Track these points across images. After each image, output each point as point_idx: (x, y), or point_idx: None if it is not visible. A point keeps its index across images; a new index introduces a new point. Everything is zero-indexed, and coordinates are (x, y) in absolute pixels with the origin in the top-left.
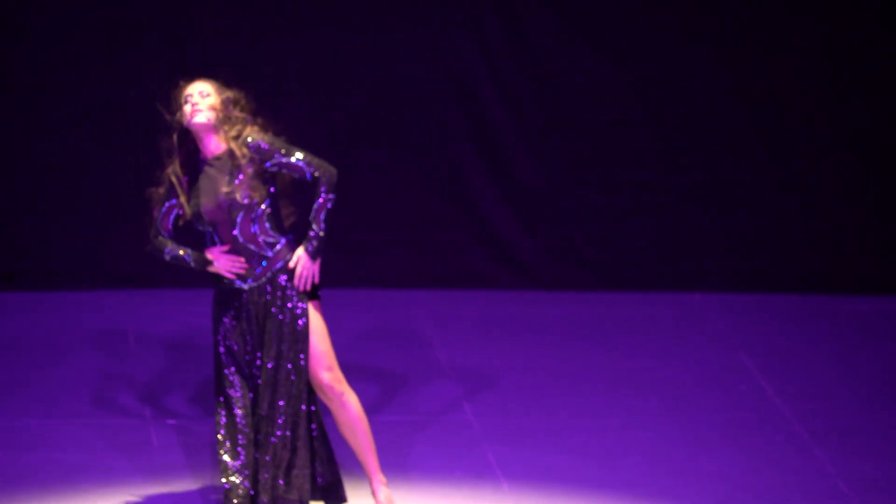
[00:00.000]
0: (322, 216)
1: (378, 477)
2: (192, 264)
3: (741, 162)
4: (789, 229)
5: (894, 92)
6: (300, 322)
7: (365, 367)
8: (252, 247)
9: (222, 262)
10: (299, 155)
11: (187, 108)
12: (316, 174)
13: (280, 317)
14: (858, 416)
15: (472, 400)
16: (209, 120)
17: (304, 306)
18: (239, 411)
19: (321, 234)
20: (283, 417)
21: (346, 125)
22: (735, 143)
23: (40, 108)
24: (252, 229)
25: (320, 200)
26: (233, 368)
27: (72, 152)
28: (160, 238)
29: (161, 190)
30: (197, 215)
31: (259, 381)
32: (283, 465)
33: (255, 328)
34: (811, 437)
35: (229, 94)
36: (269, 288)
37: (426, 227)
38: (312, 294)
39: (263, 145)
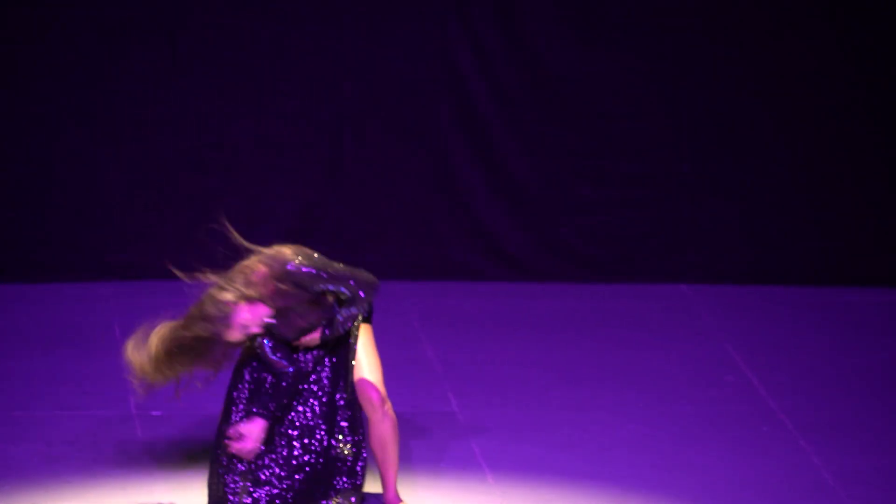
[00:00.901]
0: None
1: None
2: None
3: (730, 154)
4: (778, 222)
5: (887, 82)
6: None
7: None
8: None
9: None
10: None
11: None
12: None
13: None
14: (845, 408)
15: (457, 392)
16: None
17: None
18: None
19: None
20: None
21: (336, 118)
22: (725, 136)
23: (29, 101)
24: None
25: None
26: None
27: (61, 145)
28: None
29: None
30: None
31: None
32: None
33: None
34: (797, 429)
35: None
36: None
37: (415, 218)
38: None
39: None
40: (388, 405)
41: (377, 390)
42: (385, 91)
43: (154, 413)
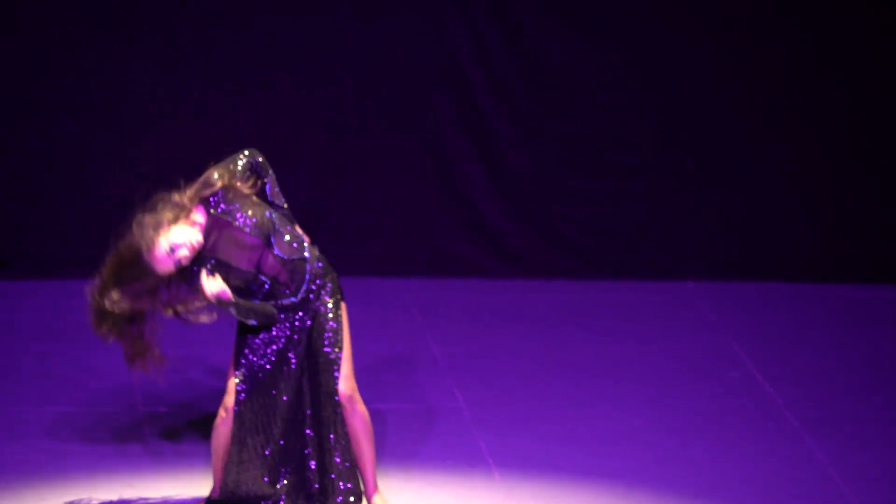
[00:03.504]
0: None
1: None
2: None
3: (732, 148)
4: (781, 216)
5: (889, 77)
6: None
7: (354, 355)
8: (296, 256)
9: None
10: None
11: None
12: (260, 166)
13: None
14: (850, 403)
15: (462, 388)
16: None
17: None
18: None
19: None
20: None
21: (334, 110)
22: (725, 129)
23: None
24: (284, 239)
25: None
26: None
27: (67, 141)
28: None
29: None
30: (251, 276)
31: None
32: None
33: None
34: (802, 424)
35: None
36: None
37: (414, 213)
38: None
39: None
40: (358, 401)
41: (346, 388)
42: (384, 84)
43: (160, 409)
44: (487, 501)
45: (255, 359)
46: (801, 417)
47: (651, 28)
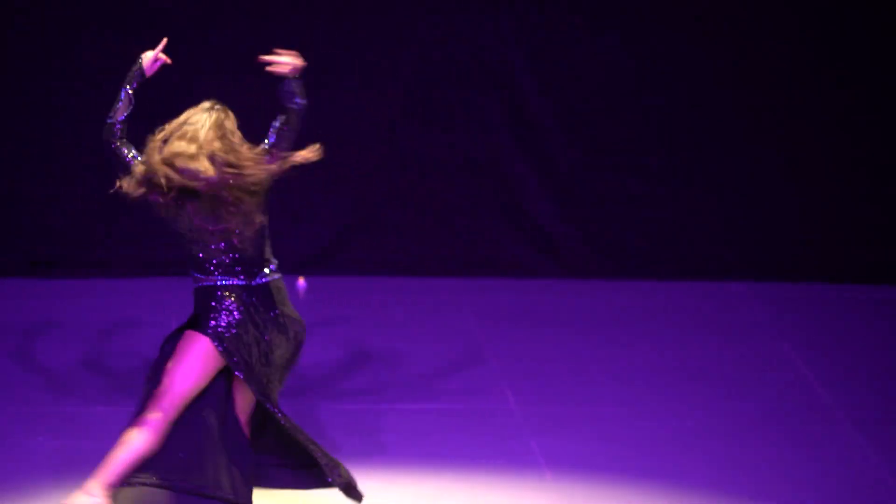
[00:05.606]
0: None
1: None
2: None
3: (787, 148)
4: (835, 218)
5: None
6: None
7: (405, 355)
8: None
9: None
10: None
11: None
12: None
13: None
14: None
15: (514, 388)
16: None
17: None
18: None
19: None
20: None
21: (383, 110)
22: (785, 129)
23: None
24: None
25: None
26: None
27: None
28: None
29: None
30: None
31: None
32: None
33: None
34: (855, 426)
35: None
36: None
37: (464, 214)
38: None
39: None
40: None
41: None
42: (434, 86)
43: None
44: (539, 502)
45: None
46: (855, 419)
47: (699, 29)
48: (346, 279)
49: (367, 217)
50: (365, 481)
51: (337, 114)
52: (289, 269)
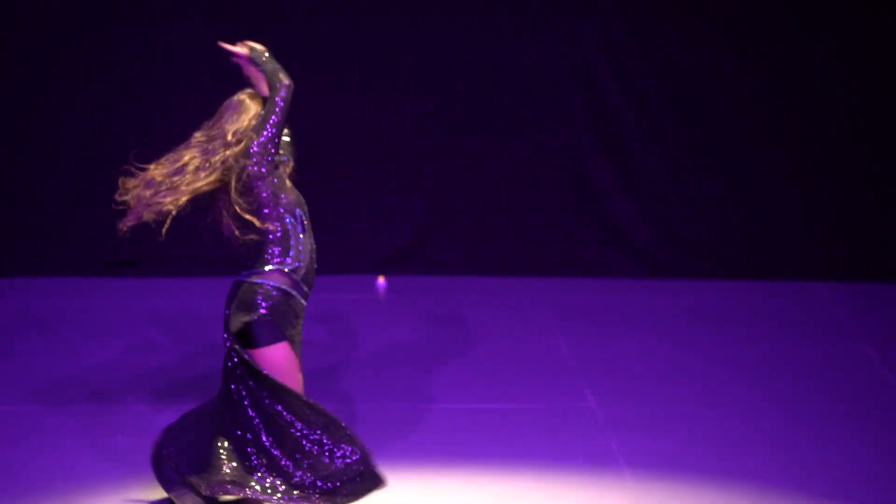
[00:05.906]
0: None
1: None
2: None
3: (869, 148)
4: None
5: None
6: None
7: (487, 355)
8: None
9: None
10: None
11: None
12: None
13: None
14: None
15: (594, 388)
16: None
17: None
18: None
19: None
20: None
21: (466, 112)
22: (859, 127)
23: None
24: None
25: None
26: None
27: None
28: None
29: None
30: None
31: None
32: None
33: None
34: None
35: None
36: None
37: (545, 214)
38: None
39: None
40: None
41: None
42: (516, 86)
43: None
44: (618, 502)
45: None
46: None
47: (782, 33)
48: (426, 278)
49: (447, 217)
50: (446, 480)
51: (417, 111)
52: (369, 269)
